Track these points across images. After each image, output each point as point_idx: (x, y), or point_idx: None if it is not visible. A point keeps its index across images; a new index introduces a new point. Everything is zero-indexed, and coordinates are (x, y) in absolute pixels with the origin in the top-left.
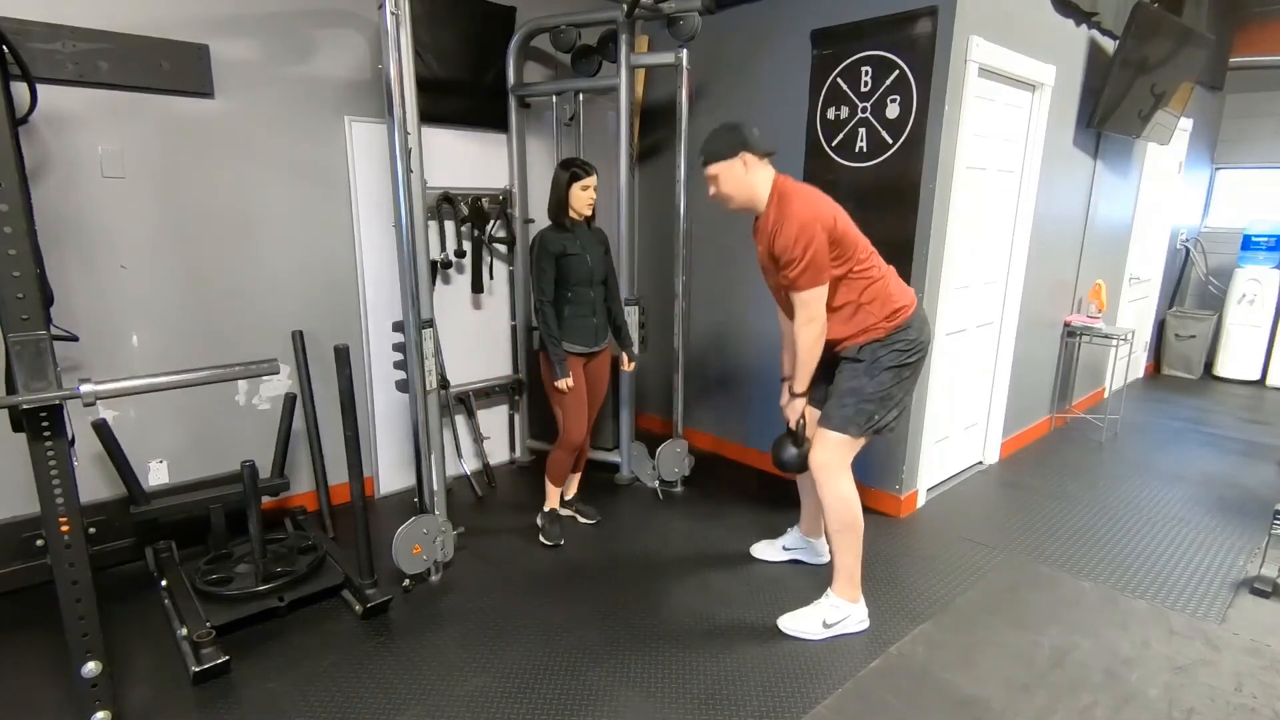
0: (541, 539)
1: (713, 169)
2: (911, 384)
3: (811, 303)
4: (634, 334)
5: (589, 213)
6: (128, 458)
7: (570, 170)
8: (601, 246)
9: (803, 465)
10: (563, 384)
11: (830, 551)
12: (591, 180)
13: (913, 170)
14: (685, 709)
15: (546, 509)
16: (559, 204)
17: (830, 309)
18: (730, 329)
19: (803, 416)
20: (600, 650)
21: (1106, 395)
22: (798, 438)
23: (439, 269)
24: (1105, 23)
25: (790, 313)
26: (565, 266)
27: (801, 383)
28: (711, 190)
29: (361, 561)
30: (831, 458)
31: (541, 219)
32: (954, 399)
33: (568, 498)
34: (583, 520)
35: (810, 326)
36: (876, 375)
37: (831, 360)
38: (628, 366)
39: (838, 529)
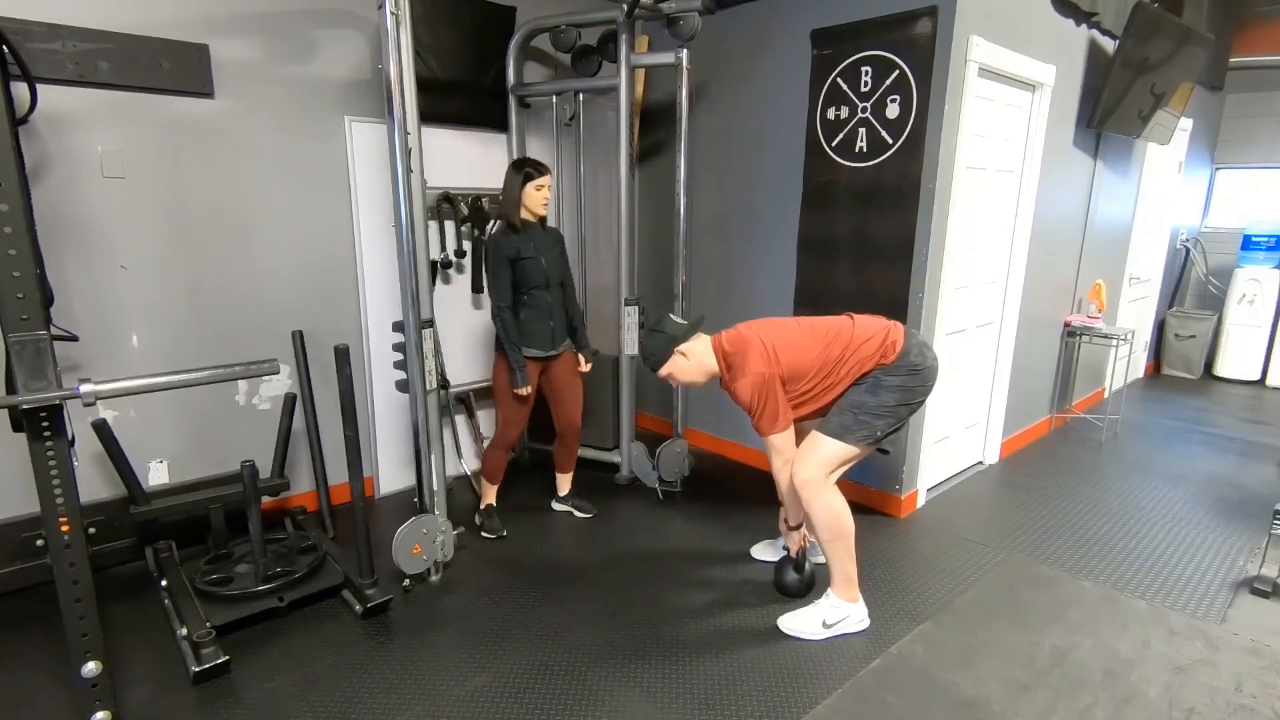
0: (484, 534)
1: (662, 372)
2: (916, 403)
3: (782, 447)
4: (634, 334)
5: (543, 213)
6: (128, 458)
7: (524, 171)
8: (557, 247)
9: (804, 590)
10: (524, 391)
11: (825, 558)
12: (546, 180)
13: (913, 170)
14: (685, 709)
15: (483, 505)
16: (513, 205)
17: (823, 393)
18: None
19: (802, 547)
20: (600, 650)
21: (1106, 395)
22: (799, 564)
23: (439, 269)
24: (1105, 23)
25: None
26: (521, 270)
27: (795, 516)
28: (675, 385)
29: (361, 561)
30: (816, 473)
31: None
32: (954, 399)
33: (562, 494)
34: (579, 515)
35: (787, 469)
36: (879, 393)
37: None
38: (585, 367)
39: (829, 539)
